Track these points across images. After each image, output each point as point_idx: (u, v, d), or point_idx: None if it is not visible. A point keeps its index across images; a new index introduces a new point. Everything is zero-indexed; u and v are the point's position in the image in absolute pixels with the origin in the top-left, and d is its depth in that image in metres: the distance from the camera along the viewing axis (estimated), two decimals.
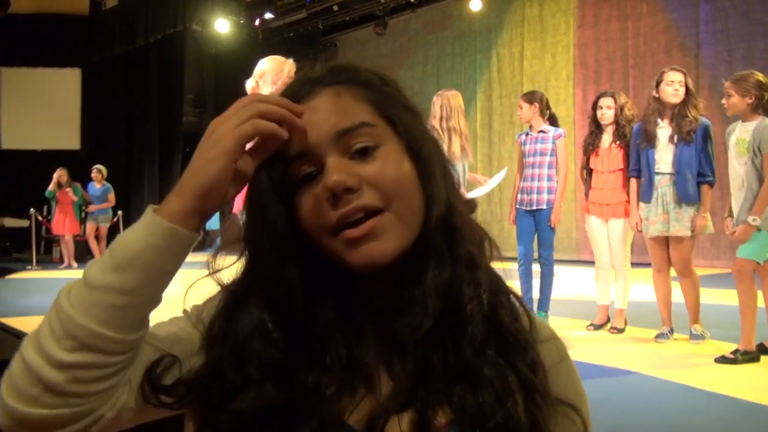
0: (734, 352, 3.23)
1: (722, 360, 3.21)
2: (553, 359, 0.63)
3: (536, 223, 4.23)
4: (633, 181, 3.87)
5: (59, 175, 8.70)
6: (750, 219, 3.19)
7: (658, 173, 3.70)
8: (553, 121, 4.35)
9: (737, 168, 3.40)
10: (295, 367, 0.58)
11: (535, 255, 4.29)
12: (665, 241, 3.76)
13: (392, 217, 0.57)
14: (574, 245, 8.64)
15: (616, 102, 4.07)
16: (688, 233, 3.62)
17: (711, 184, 3.63)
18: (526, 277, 4.28)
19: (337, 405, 0.58)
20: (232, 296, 0.62)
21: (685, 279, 3.71)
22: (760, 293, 3.32)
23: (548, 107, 4.32)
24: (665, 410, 2.54)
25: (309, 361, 0.58)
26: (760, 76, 3.33)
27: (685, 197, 3.62)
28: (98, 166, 9.07)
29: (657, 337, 3.77)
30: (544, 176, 4.19)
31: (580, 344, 3.78)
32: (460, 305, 0.59)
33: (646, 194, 3.76)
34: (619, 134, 4.04)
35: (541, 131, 4.24)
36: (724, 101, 3.43)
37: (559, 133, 4.24)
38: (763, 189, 3.18)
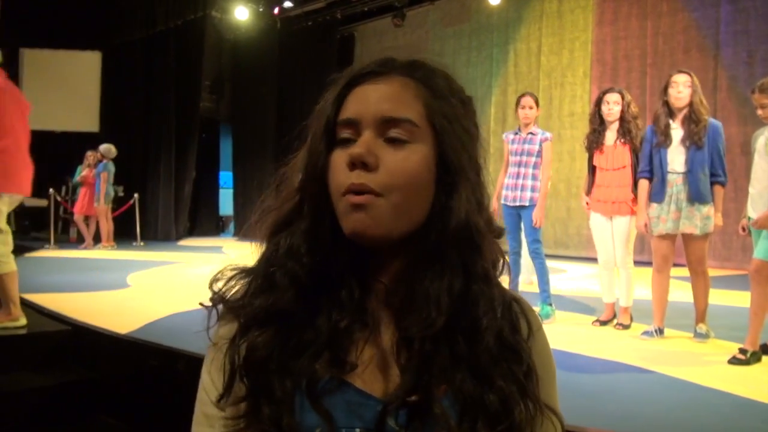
0: (744, 353, 3.20)
1: (735, 361, 3.18)
2: (533, 326, 0.72)
3: (522, 219, 4.36)
4: (644, 183, 3.82)
5: (89, 156, 8.78)
6: None
7: (672, 173, 3.70)
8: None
9: (765, 168, 3.45)
10: (318, 301, 0.67)
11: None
12: (672, 241, 3.76)
13: (385, 203, 0.64)
14: (584, 242, 8.65)
15: (623, 98, 4.07)
16: (697, 231, 3.63)
17: (723, 184, 3.65)
18: (513, 265, 4.40)
19: (349, 338, 0.66)
20: (278, 227, 0.71)
21: (698, 277, 3.72)
22: None
23: None
24: (664, 403, 2.59)
25: (329, 299, 0.67)
26: None
27: (697, 196, 3.62)
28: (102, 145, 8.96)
29: (643, 334, 3.78)
30: (529, 175, 4.31)
31: (586, 339, 3.83)
32: (476, 316, 0.65)
33: (658, 194, 3.73)
34: (624, 131, 4.05)
35: (531, 133, 4.37)
36: (760, 112, 3.43)
37: (546, 136, 4.36)
38: None
